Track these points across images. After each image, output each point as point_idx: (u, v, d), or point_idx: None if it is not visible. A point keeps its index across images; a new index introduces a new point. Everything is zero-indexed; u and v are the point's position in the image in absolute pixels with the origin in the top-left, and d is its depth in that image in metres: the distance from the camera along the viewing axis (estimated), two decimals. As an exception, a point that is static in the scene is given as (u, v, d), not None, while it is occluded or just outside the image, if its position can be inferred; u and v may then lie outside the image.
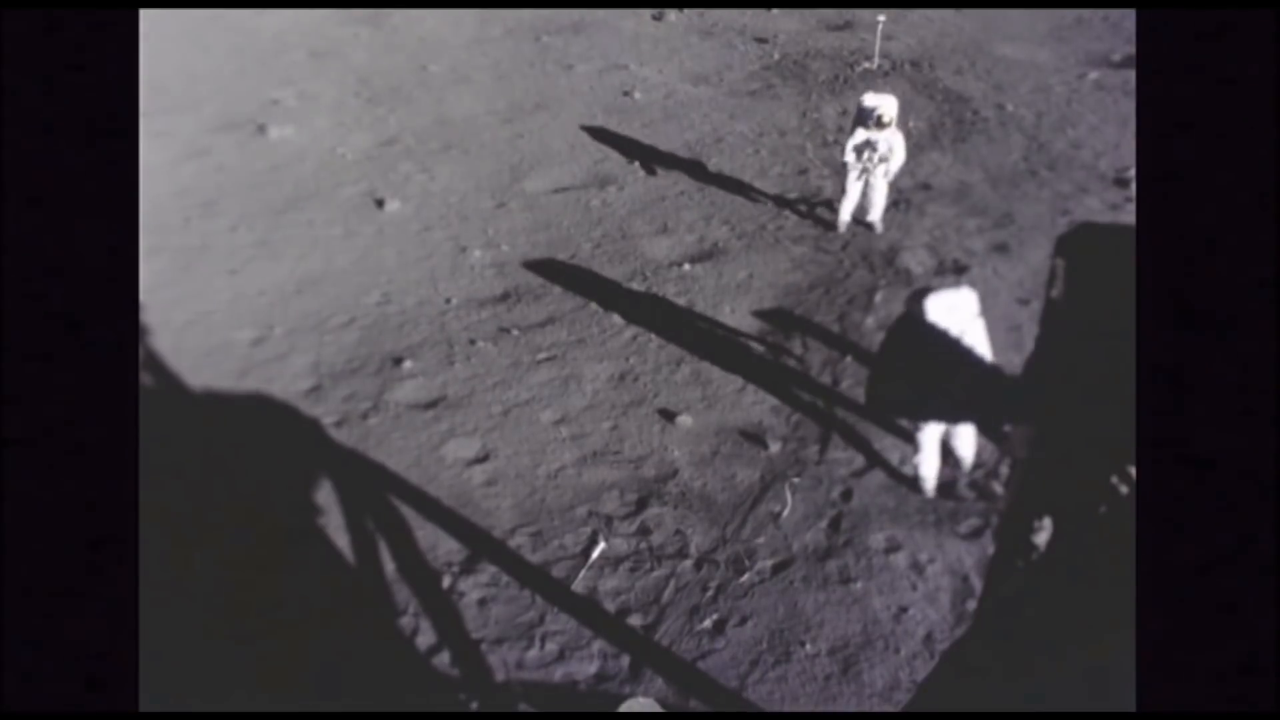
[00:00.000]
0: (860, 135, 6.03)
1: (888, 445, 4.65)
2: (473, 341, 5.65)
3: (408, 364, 5.45)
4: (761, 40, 10.36)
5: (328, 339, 5.75)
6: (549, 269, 6.39)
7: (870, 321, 5.63)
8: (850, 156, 6.16)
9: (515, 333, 5.71)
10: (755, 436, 4.79)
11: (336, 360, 5.55)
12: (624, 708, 3.37)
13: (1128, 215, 6.56)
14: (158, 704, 3.25)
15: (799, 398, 5.05)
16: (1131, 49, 9.21)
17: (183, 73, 9.75)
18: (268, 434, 5.00)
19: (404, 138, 8.42)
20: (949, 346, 3.63)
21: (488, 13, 11.34)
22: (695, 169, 7.67)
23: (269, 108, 9.01)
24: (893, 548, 4.11)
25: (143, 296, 6.03)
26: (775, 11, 11.14)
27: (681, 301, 5.97)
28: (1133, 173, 7.00)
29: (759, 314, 5.79)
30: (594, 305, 5.94)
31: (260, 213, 7.22)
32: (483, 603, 3.96)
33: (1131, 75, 8.65)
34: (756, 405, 5.02)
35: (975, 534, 4.15)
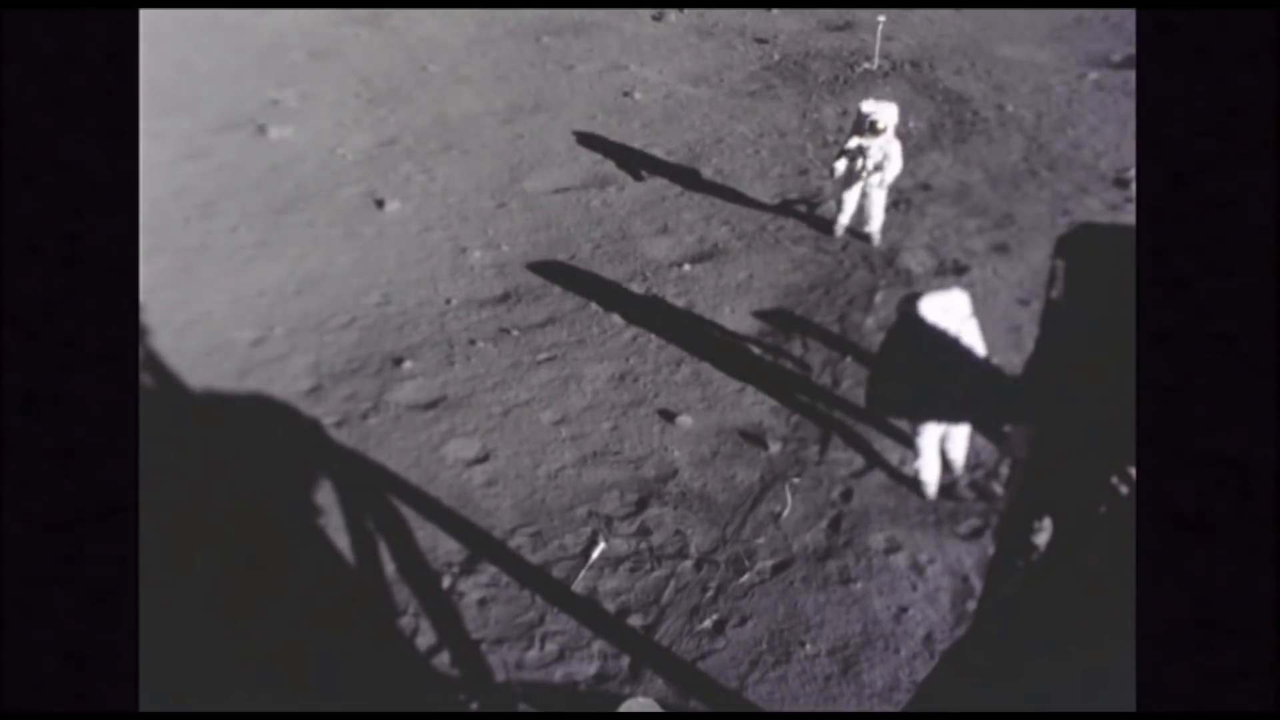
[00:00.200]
0: (854, 142, 5.90)
1: (887, 446, 4.66)
2: (473, 342, 5.66)
3: (408, 364, 5.45)
4: (761, 41, 10.36)
5: (328, 339, 5.75)
6: (549, 269, 6.39)
7: (870, 322, 5.63)
8: (839, 164, 5.98)
9: (515, 333, 5.71)
10: (755, 437, 4.79)
11: (336, 360, 5.55)
12: (624, 708, 3.37)
13: (1128, 215, 6.56)
14: (158, 704, 3.26)
15: (799, 398, 5.05)
16: (1131, 49, 9.21)
17: (183, 73, 9.75)
18: (268, 434, 5.00)
19: (404, 138, 8.42)
20: (947, 347, 3.63)
21: (488, 13, 11.34)
22: (688, 176, 7.66)
23: (269, 108, 9.02)
24: (893, 548, 4.11)
25: (143, 296, 6.03)
26: (775, 12, 11.14)
27: (681, 302, 5.97)
28: (1133, 173, 7.00)
29: (759, 314, 5.80)
30: (594, 305, 5.94)
31: (260, 213, 7.22)
32: (483, 603, 3.96)
33: (1131, 75, 8.65)
34: (756, 406, 5.02)
35: (975, 534, 4.15)
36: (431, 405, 5.14)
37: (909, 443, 4.46)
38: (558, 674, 3.66)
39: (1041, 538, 1.37)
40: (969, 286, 5.89)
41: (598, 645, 3.76)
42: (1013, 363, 4.98)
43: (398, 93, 9.37)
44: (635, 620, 3.86)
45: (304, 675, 3.67)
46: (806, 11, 11.05)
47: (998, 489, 4.36)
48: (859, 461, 4.58)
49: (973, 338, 3.78)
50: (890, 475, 4.48)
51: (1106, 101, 8.30)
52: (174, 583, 4.01)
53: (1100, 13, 10.25)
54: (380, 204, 7.28)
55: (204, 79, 9.67)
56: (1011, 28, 10.17)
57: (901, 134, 7.98)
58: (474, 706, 3.57)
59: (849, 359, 5.33)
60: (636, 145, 8.13)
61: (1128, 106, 8.13)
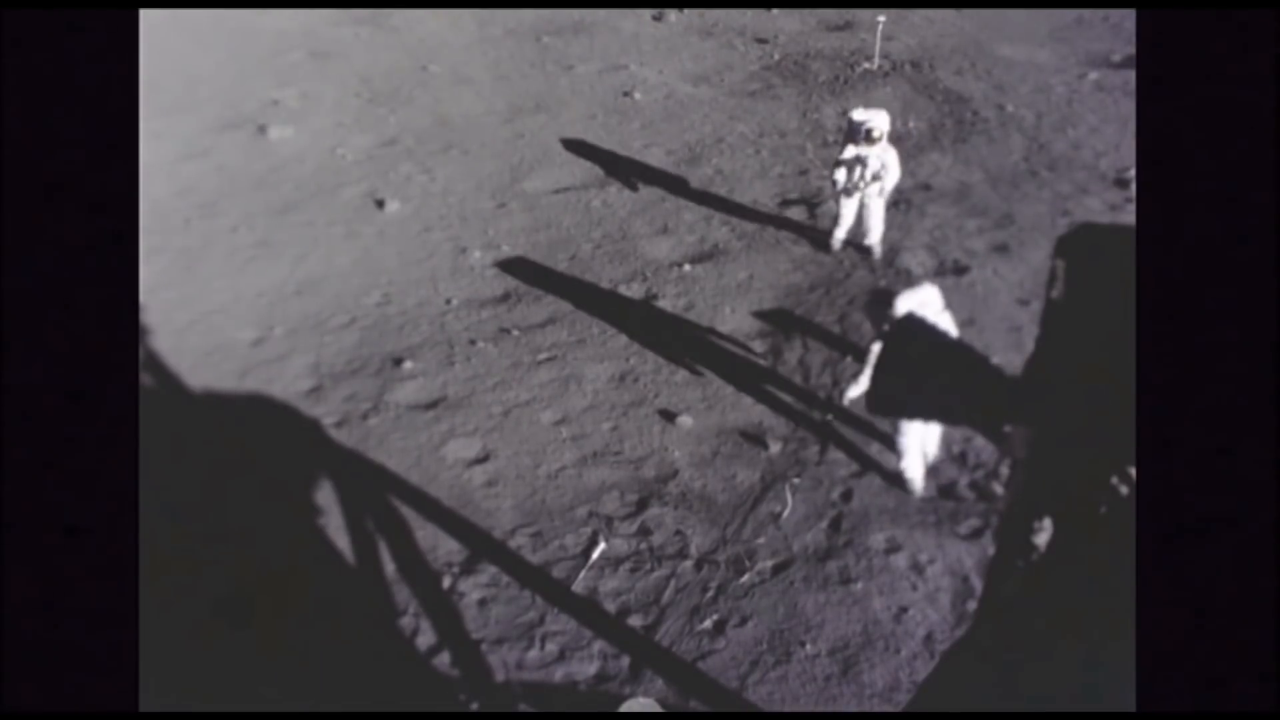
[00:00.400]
0: (850, 151, 5.73)
1: (881, 446, 4.65)
2: (473, 342, 5.66)
3: (408, 364, 5.45)
4: (762, 40, 10.36)
5: (328, 339, 5.75)
6: (549, 269, 6.39)
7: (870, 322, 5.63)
8: (839, 174, 5.84)
9: (515, 333, 5.71)
10: (755, 437, 4.79)
11: (337, 361, 5.55)
12: (624, 708, 3.37)
13: (1128, 215, 6.55)
14: (158, 704, 3.25)
15: (799, 398, 5.05)
16: (1131, 49, 9.21)
17: (183, 73, 9.75)
18: (268, 434, 5.00)
19: (404, 138, 8.42)
20: (941, 344, 3.63)
21: (488, 13, 11.34)
22: (679, 183, 7.64)
23: (269, 108, 9.02)
24: (893, 548, 4.11)
25: (143, 296, 6.03)
26: (775, 11, 11.14)
27: (682, 302, 5.97)
28: (1133, 173, 7.00)
29: (759, 314, 5.79)
30: (594, 305, 5.94)
31: (260, 213, 7.22)
32: (483, 603, 3.96)
33: (1131, 75, 8.65)
34: (757, 406, 5.02)
35: (975, 534, 4.15)
36: (431, 405, 5.14)
37: (891, 443, 4.47)
38: (558, 674, 3.66)
39: (1041, 538, 1.37)
40: (969, 286, 5.89)
41: (598, 645, 3.76)
42: (1013, 363, 4.98)
43: (398, 93, 9.37)
44: (635, 620, 3.86)
45: (304, 675, 3.67)
46: (806, 11, 11.05)
47: (998, 489, 4.36)
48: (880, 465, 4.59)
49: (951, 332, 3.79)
50: (882, 476, 4.49)
51: (1106, 101, 8.30)
52: (174, 583, 4.01)
53: (1100, 13, 10.25)
54: (380, 204, 7.28)
55: (204, 79, 9.67)
56: (1011, 28, 10.17)
57: (901, 134, 7.99)
58: (474, 706, 3.57)
59: (849, 359, 5.32)
60: (637, 145, 8.13)
61: (1128, 106, 8.13)
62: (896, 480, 4.40)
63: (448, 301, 6.08)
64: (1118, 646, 1.23)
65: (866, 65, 9.40)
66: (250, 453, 4.84)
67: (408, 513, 4.44)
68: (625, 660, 3.70)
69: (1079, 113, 8.13)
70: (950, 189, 7.09)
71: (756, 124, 8.44)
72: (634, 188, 7.28)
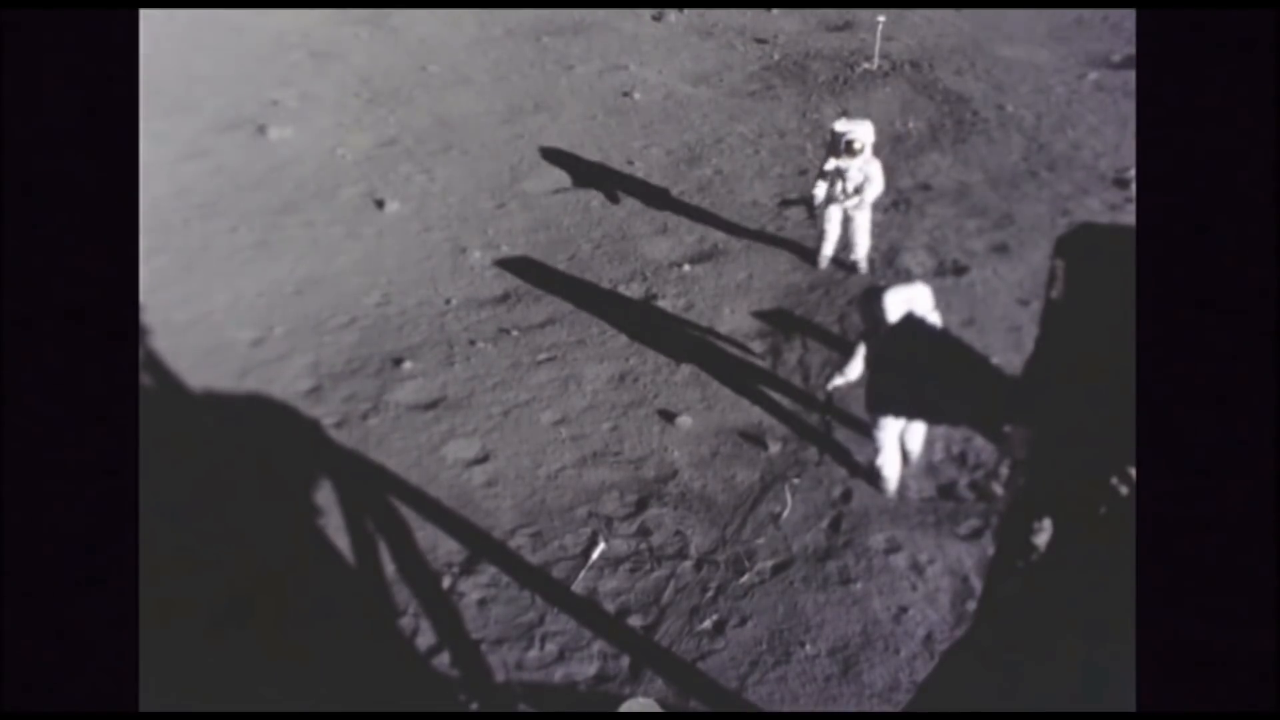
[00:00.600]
0: (830, 164, 5.55)
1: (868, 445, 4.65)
2: (473, 342, 5.66)
3: (408, 365, 5.45)
4: (761, 41, 10.36)
5: (328, 340, 5.75)
6: (549, 269, 6.39)
7: (870, 322, 5.63)
8: (819, 189, 5.65)
9: (515, 333, 5.71)
10: (755, 437, 4.79)
11: (336, 361, 5.55)
12: (624, 708, 3.37)
13: (1128, 216, 6.55)
14: (158, 704, 3.25)
15: (799, 399, 5.05)
16: (1131, 49, 9.21)
17: (183, 73, 9.75)
18: (268, 434, 5.00)
19: (404, 138, 8.42)
20: (942, 343, 3.63)
21: (488, 13, 11.34)
22: (677, 184, 7.64)
23: (269, 108, 9.02)
24: (893, 548, 4.11)
25: (143, 296, 6.03)
26: (775, 12, 11.14)
27: (681, 302, 5.97)
28: (1133, 173, 7.00)
29: (759, 314, 5.79)
30: (594, 306, 5.94)
31: (260, 213, 7.22)
32: (483, 603, 3.96)
33: (1131, 75, 8.65)
34: (756, 406, 5.02)
35: (975, 535, 4.15)
36: (431, 405, 5.14)
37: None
38: (558, 674, 3.66)
39: (1041, 538, 1.37)
40: (969, 286, 5.89)
41: (598, 645, 3.76)
42: (1013, 363, 4.98)
43: (398, 93, 9.37)
44: (635, 621, 3.86)
45: (304, 675, 3.67)
46: (806, 11, 11.05)
47: (998, 489, 4.36)
48: (858, 462, 4.58)
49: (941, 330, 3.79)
50: (850, 469, 4.49)
51: (1106, 101, 8.30)
52: (174, 583, 4.01)
53: (1100, 13, 10.25)
54: (380, 204, 7.28)
55: (204, 79, 9.67)
56: (1011, 28, 10.17)
57: (901, 134, 7.99)
58: (474, 706, 3.57)
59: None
60: (637, 145, 8.13)
61: (1128, 106, 8.13)
62: (871, 476, 4.39)
63: (447, 301, 6.08)
64: (1118, 646, 1.23)
65: (866, 65, 9.40)
66: (250, 453, 4.84)
67: (408, 513, 4.44)
68: (625, 660, 3.70)
69: (1079, 113, 8.13)
70: (950, 189, 7.09)
71: (756, 124, 8.44)
72: (615, 199, 7.18)
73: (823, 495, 4.42)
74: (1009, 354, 5.18)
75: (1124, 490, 1.22)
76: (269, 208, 7.30)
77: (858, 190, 5.62)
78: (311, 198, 7.45)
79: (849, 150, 5.44)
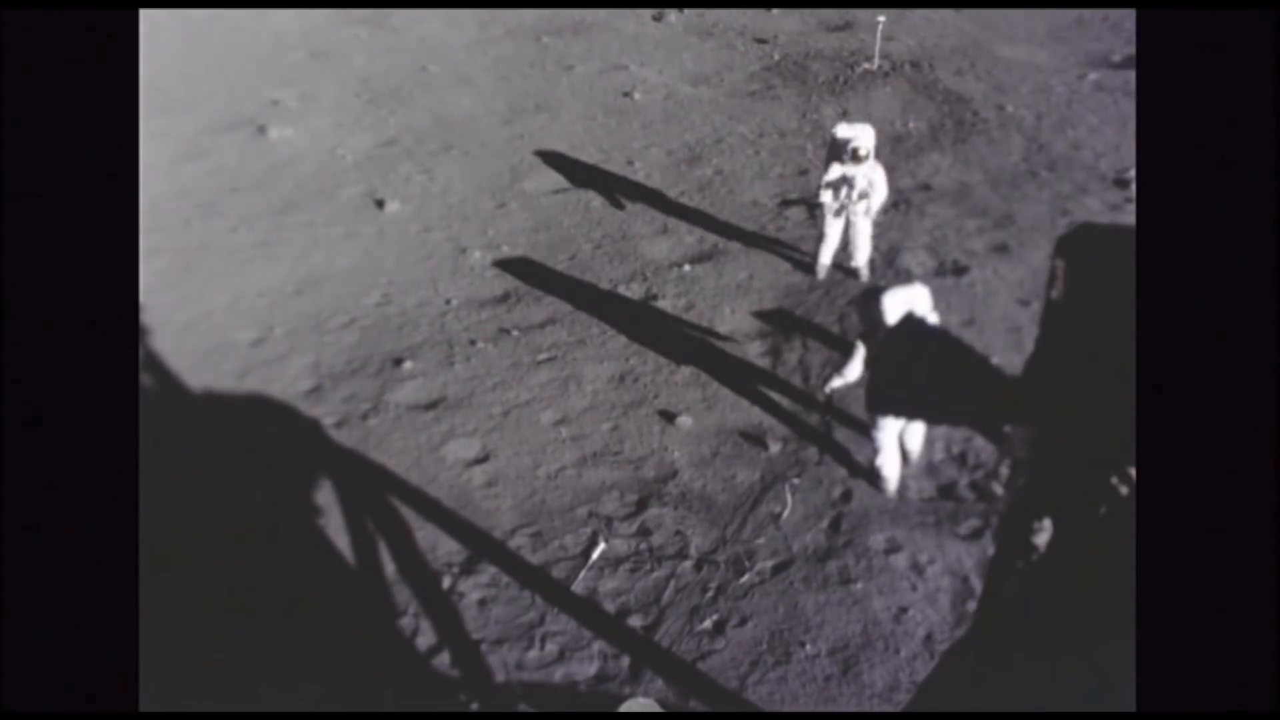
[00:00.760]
0: (835, 171, 5.49)
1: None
2: (473, 342, 5.66)
3: (408, 365, 5.45)
4: (761, 41, 10.36)
5: (328, 340, 5.75)
6: (549, 269, 6.39)
7: (870, 322, 5.62)
8: (827, 195, 5.57)
9: (515, 333, 5.71)
10: (755, 437, 4.79)
11: (336, 361, 5.55)
12: (624, 708, 3.37)
13: (1128, 216, 6.56)
14: (158, 704, 3.26)
15: (799, 399, 5.05)
16: (1131, 49, 9.21)
17: (183, 73, 9.75)
18: (268, 434, 5.00)
19: (404, 138, 8.42)
20: (942, 344, 3.64)
21: (488, 13, 11.34)
22: (677, 184, 7.64)
23: (269, 108, 9.02)
24: (893, 548, 4.11)
25: (143, 297, 6.03)
26: (775, 12, 11.14)
27: (681, 302, 5.97)
28: (1133, 173, 7.00)
29: (759, 314, 5.79)
30: (594, 306, 5.94)
31: (260, 213, 7.22)
32: (483, 603, 3.96)
33: (1131, 75, 8.65)
34: (756, 406, 5.02)
35: (975, 535, 4.15)
36: (431, 406, 5.14)
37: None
38: (558, 674, 3.66)
39: (1041, 538, 1.37)
40: (969, 286, 5.89)
41: (598, 645, 3.76)
42: (1013, 363, 4.98)
43: (398, 93, 9.37)
44: (635, 621, 3.86)
45: (304, 675, 3.67)
46: (806, 11, 11.05)
47: (998, 489, 4.36)
48: (859, 462, 4.59)
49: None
50: (851, 470, 4.49)
51: (1106, 101, 8.30)
52: (174, 583, 4.01)
53: (1100, 13, 10.25)
54: (380, 204, 7.28)
55: (204, 79, 9.67)
56: (1011, 28, 10.17)
57: (901, 134, 7.99)
58: (474, 706, 3.57)
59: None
60: (637, 145, 8.13)
61: (1128, 106, 8.13)
62: (871, 476, 4.40)
63: (448, 302, 6.08)
64: (1118, 646, 1.23)
65: (866, 65, 9.40)
66: (250, 453, 4.84)
67: (408, 513, 4.44)
68: (625, 660, 3.70)
69: (1079, 113, 8.13)
70: (950, 189, 7.09)
71: (756, 124, 8.44)
72: (619, 205, 7.17)
73: (823, 495, 4.42)
74: (1009, 354, 5.18)
75: (1124, 490, 1.22)
76: (269, 208, 7.30)
77: (862, 195, 5.55)
78: (311, 198, 7.45)
79: (854, 157, 5.37)
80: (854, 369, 4.22)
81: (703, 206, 7.10)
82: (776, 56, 9.94)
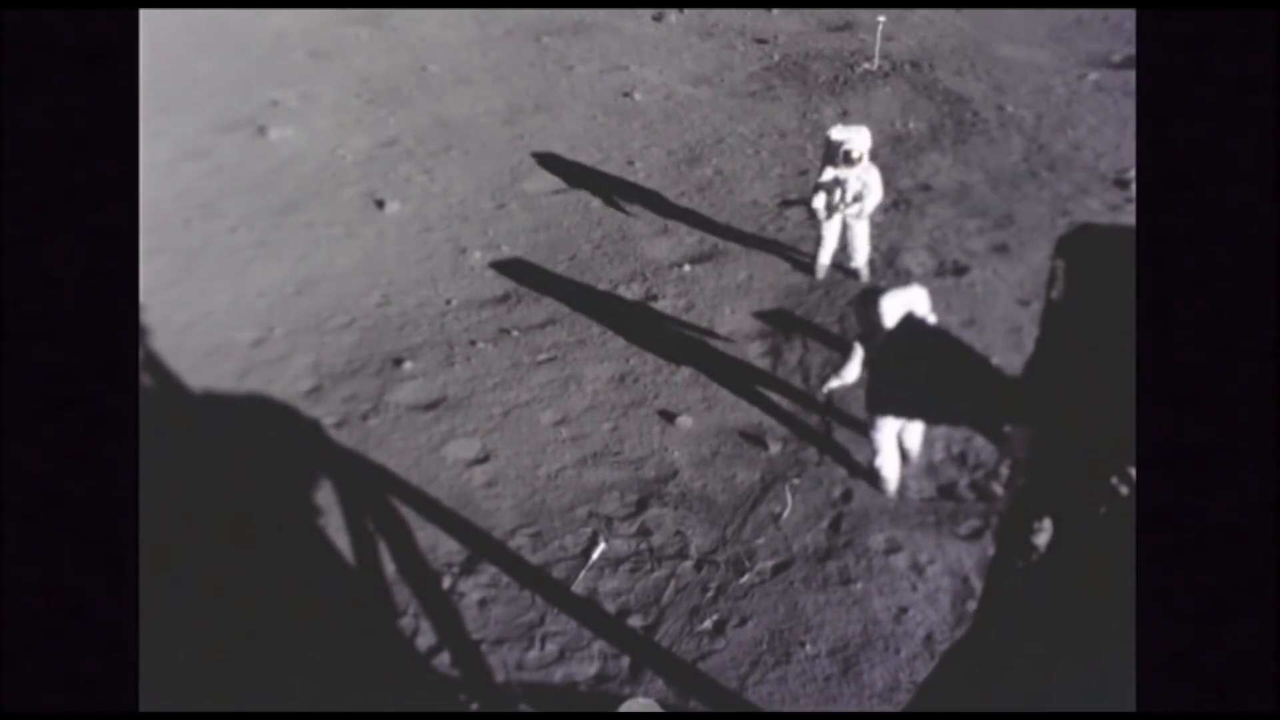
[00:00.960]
0: (828, 174, 5.45)
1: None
2: (473, 342, 5.66)
3: (408, 365, 5.45)
4: (761, 41, 10.36)
5: (328, 340, 5.75)
6: (549, 270, 6.39)
7: (870, 322, 5.62)
8: (818, 200, 5.54)
9: (515, 334, 5.71)
10: (755, 437, 4.79)
11: (337, 361, 5.55)
12: (624, 708, 3.37)
13: (1128, 216, 6.56)
14: (158, 704, 3.26)
15: (799, 399, 5.05)
16: (1131, 49, 9.22)
17: (183, 73, 9.75)
18: (268, 434, 5.00)
19: (404, 139, 8.43)
20: (942, 344, 3.64)
21: (488, 13, 11.34)
22: (677, 185, 7.65)
23: (269, 109, 9.02)
24: (893, 549, 4.11)
25: (143, 297, 6.03)
26: (775, 12, 11.14)
27: (681, 302, 5.97)
28: (1133, 174, 7.00)
29: (759, 315, 5.79)
30: (594, 306, 5.94)
31: (260, 214, 7.22)
32: (483, 603, 3.96)
33: (1131, 75, 8.66)
34: (756, 406, 5.02)
35: (975, 535, 4.15)
36: (431, 406, 5.14)
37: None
38: (558, 674, 3.66)
39: (1041, 538, 1.37)
40: (969, 287, 5.89)
41: (598, 646, 3.76)
42: (1013, 363, 4.98)
43: (398, 93, 9.37)
44: (635, 621, 3.86)
45: (304, 675, 3.67)
46: (806, 11, 11.05)
47: (998, 489, 4.36)
48: (859, 462, 4.59)
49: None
50: (851, 470, 4.49)
51: (1106, 101, 8.30)
52: (173, 583, 4.01)
53: (1100, 13, 10.25)
54: (380, 204, 7.28)
55: (204, 79, 9.67)
56: (1011, 28, 10.18)
57: (901, 134, 7.99)
58: (474, 706, 3.57)
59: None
60: (637, 145, 8.13)
61: (1128, 106, 8.13)
62: (870, 477, 4.40)
63: (448, 302, 6.08)
64: (1118, 646, 1.23)
65: (866, 66, 9.40)
66: (250, 453, 4.84)
67: (408, 513, 4.44)
68: (625, 660, 3.70)
69: (1079, 113, 8.13)
70: (950, 189, 7.09)
71: (756, 124, 8.44)
72: (619, 206, 7.16)
73: (823, 495, 4.42)
74: (1009, 354, 5.18)
75: (1124, 490, 1.22)
76: (269, 208, 7.30)
77: (857, 199, 5.52)
78: (311, 198, 7.45)
79: (847, 160, 5.35)
80: (852, 370, 4.22)
81: (703, 207, 7.10)
82: (776, 57, 9.94)
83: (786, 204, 7.07)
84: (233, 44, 10.58)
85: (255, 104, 9.11)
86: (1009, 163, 7.42)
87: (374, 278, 6.37)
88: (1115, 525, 1.24)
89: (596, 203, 7.23)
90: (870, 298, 3.90)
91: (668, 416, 4.96)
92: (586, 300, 6.01)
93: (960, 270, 6.06)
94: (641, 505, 4.42)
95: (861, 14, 10.62)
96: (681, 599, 3.95)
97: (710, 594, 3.96)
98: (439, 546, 4.25)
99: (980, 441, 4.58)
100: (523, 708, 3.55)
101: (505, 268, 6.43)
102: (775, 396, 5.07)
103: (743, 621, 3.83)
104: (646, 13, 11.29)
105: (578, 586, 4.02)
